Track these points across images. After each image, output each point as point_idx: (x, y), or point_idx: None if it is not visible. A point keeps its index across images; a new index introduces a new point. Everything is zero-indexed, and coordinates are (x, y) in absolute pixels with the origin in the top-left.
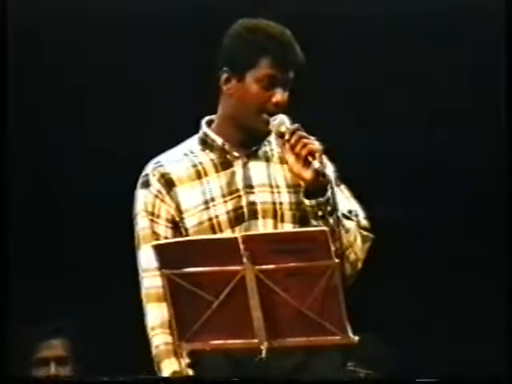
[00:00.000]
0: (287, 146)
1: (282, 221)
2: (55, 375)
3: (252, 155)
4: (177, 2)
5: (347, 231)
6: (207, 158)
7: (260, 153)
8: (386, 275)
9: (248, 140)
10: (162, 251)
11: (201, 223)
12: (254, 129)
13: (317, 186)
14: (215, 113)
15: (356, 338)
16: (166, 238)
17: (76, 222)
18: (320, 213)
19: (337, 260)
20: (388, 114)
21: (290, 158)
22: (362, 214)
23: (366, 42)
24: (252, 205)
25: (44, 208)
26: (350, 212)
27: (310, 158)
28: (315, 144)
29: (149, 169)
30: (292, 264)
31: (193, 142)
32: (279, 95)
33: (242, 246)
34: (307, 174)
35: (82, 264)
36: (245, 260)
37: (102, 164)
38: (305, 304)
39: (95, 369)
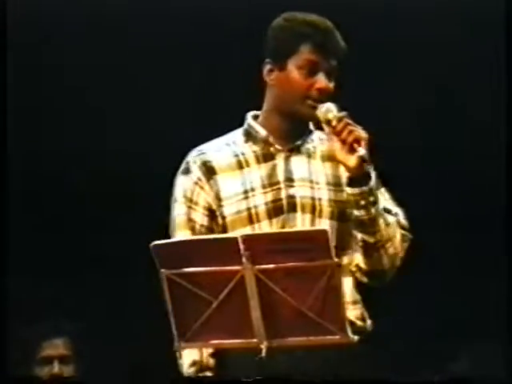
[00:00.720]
0: (333, 132)
1: (320, 216)
2: (58, 374)
3: (295, 150)
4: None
5: (388, 224)
6: (249, 150)
7: (302, 149)
8: None
9: (292, 133)
10: (161, 251)
11: (239, 212)
12: (301, 115)
13: (361, 174)
14: (257, 109)
15: (355, 337)
16: (202, 225)
17: (76, 222)
18: (363, 202)
19: (336, 260)
20: (386, 113)
21: (336, 144)
22: (401, 215)
23: (365, 42)
24: (291, 198)
25: (44, 208)
26: (389, 210)
27: (356, 145)
28: (361, 132)
29: (190, 156)
30: (292, 264)
31: (237, 134)
32: (322, 81)
33: (241, 246)
34: (352, 161)
35: (82, 264)
36: (244, 260)
37: (103, 164)
38: (304, 304)
39: (97, 369)
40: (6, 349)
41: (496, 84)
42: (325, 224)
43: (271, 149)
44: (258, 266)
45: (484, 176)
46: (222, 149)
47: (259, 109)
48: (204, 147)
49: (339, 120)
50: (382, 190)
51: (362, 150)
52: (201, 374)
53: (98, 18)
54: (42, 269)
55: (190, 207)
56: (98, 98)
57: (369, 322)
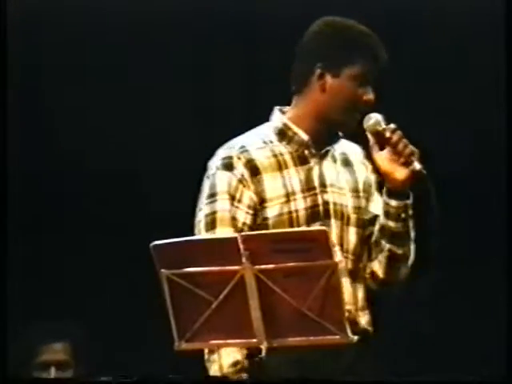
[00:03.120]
0: (386, 143)
1: (348, 224)
2: (56, 379)
3: (324, 154)
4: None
5: (412, 239)
6: (286, 150)
7: (329, 154)
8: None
9: (327, 138)
10: (161, 251)
11: (281, 215)
12: (345, 125)
13: (409, 187)
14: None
15: (355, 337)
16: (245, 223)
17: (76, 222)
18: (403, 215)
19: (336, 260)
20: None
21: (383, 154)
22: None
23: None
24: (326, 204)
25: (44, 208)
26: None
27: (413, 158)
28: (413, 147)
29: (233, 152)
30: (292, 264)
31: (268, 131)
32: (371, 93)
33: (241, 246)
34: (402, 174)
35: (83, 265)
36: (244, 260)
37: (103, 164)
38: (304, 304)
39: (96, 372)
40: (6, 350)
41: (496, 84)
42: (352, 232)
43: (306, 152)
44: (257, 266)
45: (484, 176)
46: (261, 147)
47: (259, 108)
48: (244, 143)
49: (393, 131)
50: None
51: (418, 165)
52: (237, 375)
53: (98, 18)
54: (41, 269)
55: (233, 204)
56: (98, 98)
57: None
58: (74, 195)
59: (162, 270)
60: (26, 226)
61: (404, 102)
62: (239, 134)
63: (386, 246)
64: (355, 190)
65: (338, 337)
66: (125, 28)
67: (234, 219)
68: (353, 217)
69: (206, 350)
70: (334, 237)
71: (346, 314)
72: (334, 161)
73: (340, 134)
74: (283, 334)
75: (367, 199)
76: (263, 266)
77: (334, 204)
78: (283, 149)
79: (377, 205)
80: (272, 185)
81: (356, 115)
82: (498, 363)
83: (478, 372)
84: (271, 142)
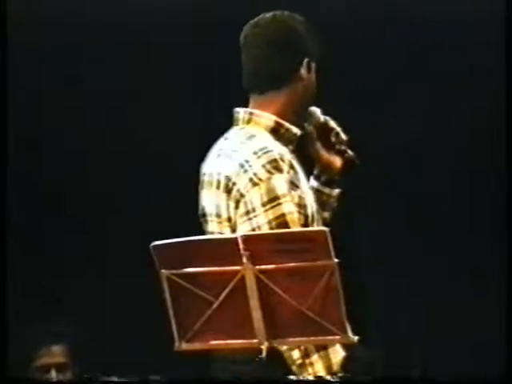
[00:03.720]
0: (322, 135)
1: (313, 221)
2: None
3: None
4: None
5: None
6: (286, 150)
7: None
8: (384, 275)
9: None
10: (161, 251)
11: (311, 211)
12: (303, 119)
13: (343, 175)
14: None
15: (356, 337)
16: (301, 224)
17: (76, 223)
18: (335, 204)
19: (336, 260)
20: (386, 112)
21: (321, 147)
22: None
23: (365, 41)
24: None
25: (43, 208)
26: None
27: (344, 147)
28: (343, 134)
29: (274, 154)
30: (292, 264)
31: (258, 130)
32: None
33: (242, 246)
34: (338, 162)
35: (83, 266)
36: (244, 260)
37: (103, 164)
38: (305, 304)
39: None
40: (6, 352)
41: (496, 85)
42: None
43: (290, 147)
44: (258, 267)
45: (485, 175)
46: (280, 146)
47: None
48: (268, 146)
49: (333, 122)
50: None
51: (350, 152)
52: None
53: (98, 18)
54: (41, 270)
55: (295, 206)
56: (98, 97)
57: None
58: (74, 195)
59: (162, 270)
60: (25, 227)
61: (403, 101)
62: None
63: None
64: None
65: (338, 337)
66: (125, 28)
67: (298, 220)
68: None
69: (298, 355)
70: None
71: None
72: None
73: None
74: (284, 334)
75: None
76: (263, 267)
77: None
78: (284, 149)
79: None
80: (304, 183)
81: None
82: (498, 363)
83: (478, 372)
84: (270, 140)
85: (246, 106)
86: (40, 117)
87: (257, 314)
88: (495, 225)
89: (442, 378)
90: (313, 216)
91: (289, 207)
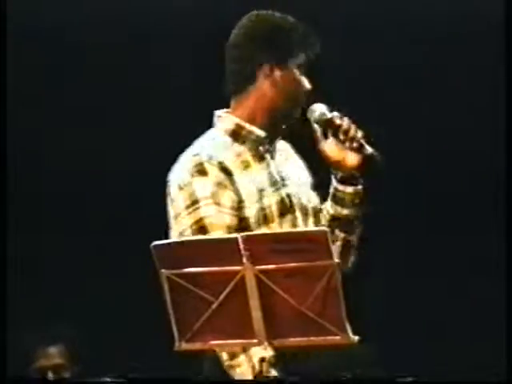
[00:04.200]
0: (337, 131)
1: (307, 214)
2: (55, 380)
3: (274, 149)
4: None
5: (358, 226)
6: (244, 149)
7: (278, 147)
8: (384, 275)
9: (277, 133)
10: (161, 251)
11: (257, 212)
12: (292, 116)
13: (362, 172)
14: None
15: (356, 337)
16: (230, 226)
17: (76, 223)
18: (357, 200)
19: (337, 260)
20: (387, 113)
21: (331, 144)
22: None
23: (364, 41)
24: (289, 197)
25: (43, 209)
26: None
27: (356, 144)
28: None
29: (202, 158)
30: (292, 264)
31: (220, 134)
32: (308, 84)
33: (242, 246)
34: (353, 159)
35: (82, 266)
36: (245, 260)
37: (103, 163)
38: (305, 304)
39: (93, 373)
40: (5, 352)
41: (496, 85)
42: (311, 222)
43: (261, 148)
44: (258, 267)
45: (484, 176)
46: (224, 149)
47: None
48: (205, 149)
49: (341, 118)
50: None
51: (369, 148)
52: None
53: (98, 17)
54: (42, 270)
55: (217, 209)
56: (98, 97)
57: None
58: (74, 195)
59: (162, 270)
60: (25, 227)
61: (403, 101)
62: None
63: (340, 234)
64: (304, 181)
65: (338, 337)
66: (125, 29)
67: (219, 223)
68: (310, 207)
69: (226, 357)
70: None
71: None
72: (281, 154)
73: None
74: (284, 334)
75: (311, 189)
76: (264, 267)
77: (294, 196)
78: (241, 149)
79: (315, 195)
80: (244, 185)
81: (301, 105)
82: (498, 364)
83: (478, 372)
84: (226, 143)
85: None
86: (40, 117)
87: (257, 314)
88: (495, 224)
89: (442, 378)
90: (262, 217)
91: (207, 210)
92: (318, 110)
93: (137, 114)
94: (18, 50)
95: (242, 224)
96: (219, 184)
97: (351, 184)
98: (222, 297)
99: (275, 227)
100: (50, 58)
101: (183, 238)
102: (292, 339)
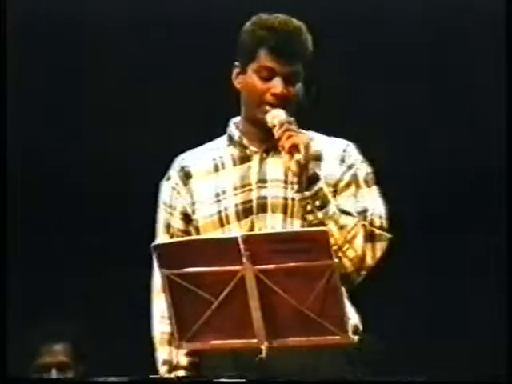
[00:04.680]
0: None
1: (292, 216)
2: (56, 379)
3: (270, 150)
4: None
5: (342, 227)
6: (228, 153)
7: (278, 148)
8: (383, 275)
9: (266, 135)
10: (162, 251)
11: (211, 215)
12: (258, 120)
13: (303, 179)
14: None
15: (356, 337)
16: (179, 229)
17: (77, 222)
18: (309, 207)
19: (336, 260)
20: (387, 112)
21: (282, 150)
22: (379, 213)
23: (365, 41)
24: (262, 199)
25: (44, 207)
26: (348, 212)
27: (294, 150)
28: (301, 137)
29: (175, 162)
30: (292, 264)
31: (222, 139)
32: (277, 86)
33: (241, 246)
34: (293, 167)
35: (83, 265)
36: (245, 260)
37: (103, 163)
38: (305, 304)
39: (97, 372)
40: (5, 352)
41: (496, 85)
42: (296, 224)
43: (247, 151)
44: (258, 267)
45: (485, 174)
46: (204, 154)
47: None
48: (187, 153)
49: (280, 126)
50: (374, 187)
51: (297, 156)
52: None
53: (98, 17)
54: (42, 270)
55: (169, 213)
56: (98, 98)
57: (352, 321)
58: (74, 195)
59: (162, 270)
60: (25, 226)
61: (402, 101)
62: None
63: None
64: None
65: (338, 337)
66: (125, 29)
67: (169, 226)
68: (300, 210)
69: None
70: (268, 229)
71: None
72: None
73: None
74: (284, 334)
75: (334, 194)
76: (264, 267)
77: (274, 198)
78: (227, 152)
79: (344, 202)
80: (203, 188)
81: (264, 109)
82: (498, 363)
83: (478, 372)
84: (218, 148)
85: None
86: (40, 116)
87: (257, 314)
88: (495, 224)
89: (441, 378)
90: (227, 218)
91: (160, 216)
92: (270, 114)
93: (136, 114)
94: (17, 49)
95: (195, 226)
96: (174, 188)
97: (297, 190)
98: (221, 297)
99: (233, 229)
100: (50, 58)
101: (183, 238)
102: (292, 339)
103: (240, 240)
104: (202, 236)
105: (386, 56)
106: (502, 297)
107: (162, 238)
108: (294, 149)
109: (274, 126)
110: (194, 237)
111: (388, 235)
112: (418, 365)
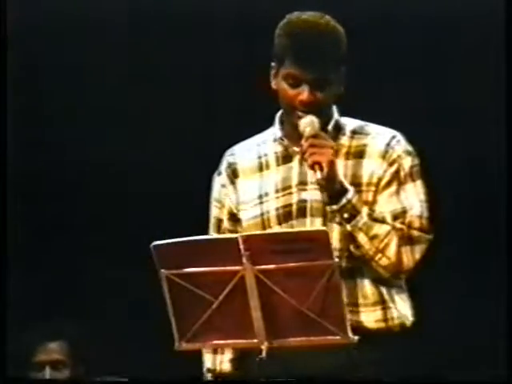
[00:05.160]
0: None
1: (331, 221)
2: (54, 380)
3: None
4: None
5: (374, 237)
6: (273, 150)
7: (349, 145)
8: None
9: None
10: (162, 251)
11: (254, 218)
12: (294, 124)
13: (330, 192)
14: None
15: (356, 337)
16: (226, 228)
17: (76, 222)
18: (337, 219)
19: (336, 260)
20: (387, 112)
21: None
22: (419, 213)
23: (366, 42)
24: (302, 202)
25: (44, 208)
26: (397, 215)
27: (316, 167)
28: (325, 153)
29: (224, 157)
30: (292, 264)
31: (269, 132)
32: (304, 93)
33: (241, 246)
34: (316, 183)
35: (83, 265)
36: (245, 260)
37: (103, 164)
38: (305, 304)
39: (93, 372)
40: (5, 351)
41: (496, 85)
42: (336, 229)
43: (289, 150)
44: (258, 267)
45: (486, 174)
46: (251, 150)
47: None
48: (235, 147)
49: (306, 140)
50: (418, 182)
51: (318, 174)
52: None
53: (98, 17)
54: (42, 268)
55: (218, 208)
56: (98, 98)
57: (397, 321)
58: (74, 195)
59: (162, 270)
60: (25, 226)
61: (403, 101)
62: (237, 135)
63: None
64: (357, 185)
65: (338, 337)
66: (124, 29)
67: (220, 223)
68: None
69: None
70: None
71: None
72: (337, 155)
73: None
74: (284, 334)
75: (375, 193)
76: (263, 267)
77: (314, 201)
78: (272, 149)
79: (383, 202)
80: (248, 188)
81: (296, 114)
82: (498, 363)
83: (478, 372)
84: (264, 143)
85: None
86: (40, 117)
87: (257, 314)
88: (496, 224)
89: (442, 378)
90: (260, 223)
91: (211, 211)
92: (303, 124)
93: (137, 114)
94: (17, 48)
95: (239, 227)
96: (223, 186)
97: (328, 202)
98: (221, 297)
99: None
100: (51, 58)
101: (183, 238)
102: (292, 339)
103: (240, 240)
104: (202, 236)
105: (383, 56)
106: (502, 296)
107: (212, 234)
108: (316, 166)
109: (303, 136)
110: (194, 237)
111: (428, 236)
112: (417, 365)
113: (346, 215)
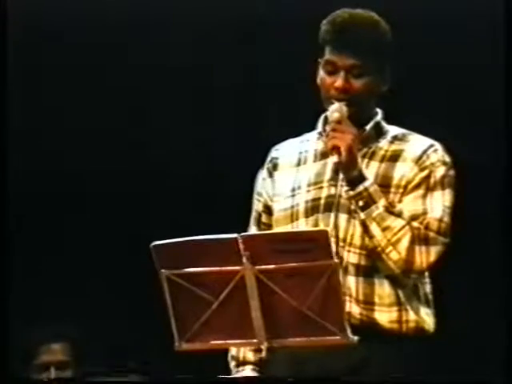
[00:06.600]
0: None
1: (355, 218)
2: (56, 380)
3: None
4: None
5: (386, 229)
6: (314, 147)
7: (365, 150)
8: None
9: None
10: (161, 251)
11: (285, 209)
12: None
13: (349, 178)
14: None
15: (355, 337)
16: (263, 222)
17: (76, 222)
18: (352, 206)
19: (336, 260)
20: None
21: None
22: (439, 216)
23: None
24: (331, 197)
25: (45, 209)
26: (417, 216)
27: (334, 152)
28: (344, 138)
29: (270, 151)
30: (292, 264)
31: (316, 131)
32: (339, 80)
33: (241, 246)
34: (333, 167)
35: (83, 265)
36: (244, 260)
37: (103, 164)
38: (305, 304)
39: (94, 372)
40: (7, 351)
41: (496, 85)
42: (358, 225)
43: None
44: (258, 267)
45: (486, 174)
46: (295, 146)
47: None
48: (281, 144)
49: (329, 124)
50: (447, 191)
51: (334, 158)
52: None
53: (98, 18)
54: (41, 270)
55: (259, 202)
56: (98, 98)
57: (412, 324)
58: (74, 195)
59: (162, 270)
60: (25, 227)
61: (404, 101)
62: (234, 134)
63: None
64: (386, 186)
65: (338, 337)
66: (124, 29)
67: (259, 217)
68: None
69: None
70: (331, 229)
71: (358, 316)
72: (370, 156)
73: (386, 128)
74: (284, 334)
75: (402, 194)
76: (263, 267)
77: (343, 197)
78: (313, 146)
79: (408, 202)
80: (283, 181)
81: (329, 104)
82: (498, 363)
83: (478, 372)
84: (308, 140)
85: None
86: (40, 116)
87: (257, 314)
88: (495, 224)
89: (442, 378)
90: (289, 215)
91: (253, 204)
92: (331, 108)
93: (137, 115)
94: (18, 49)
95: (272, 220)
96: (264, 179)
97: (346, 191)
98: (221, 297)
99: (300, 225)
100: (50, 58)
101: (183, 238)
102: (292, 339)
103: (240, 240)
104: (202, 236)
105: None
106: (502, 296)
107: (251, 229)
108: (335, 150)
109: (330, 119)
110: (194, 237)
111: (444, 240)
112: (417, 365)
113: (361, 203)
